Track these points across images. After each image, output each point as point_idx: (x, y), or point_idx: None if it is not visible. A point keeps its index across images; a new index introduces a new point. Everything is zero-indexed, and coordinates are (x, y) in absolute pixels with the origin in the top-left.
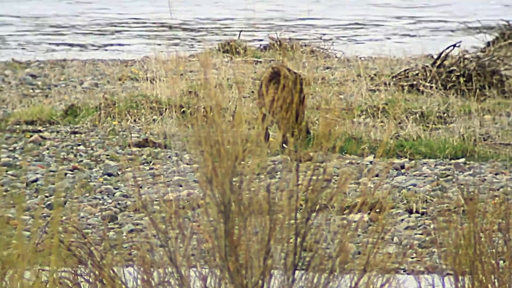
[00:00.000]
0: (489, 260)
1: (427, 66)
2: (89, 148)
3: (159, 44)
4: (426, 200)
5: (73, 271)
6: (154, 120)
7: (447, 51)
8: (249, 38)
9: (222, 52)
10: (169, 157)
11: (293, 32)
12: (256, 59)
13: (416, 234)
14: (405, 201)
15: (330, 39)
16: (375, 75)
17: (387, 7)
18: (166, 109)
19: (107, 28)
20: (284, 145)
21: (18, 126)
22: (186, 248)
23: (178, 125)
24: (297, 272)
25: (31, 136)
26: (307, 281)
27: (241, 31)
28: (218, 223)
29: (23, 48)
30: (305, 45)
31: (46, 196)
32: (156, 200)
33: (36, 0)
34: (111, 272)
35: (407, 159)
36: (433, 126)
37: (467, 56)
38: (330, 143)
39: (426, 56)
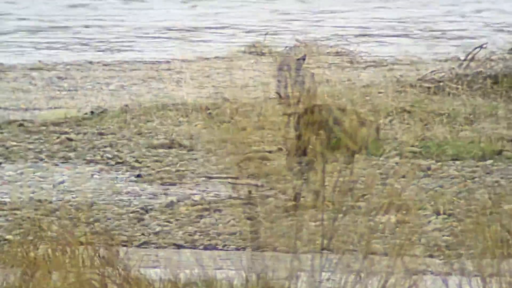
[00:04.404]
0: None
1: (453, 68)
2: (116, 150)
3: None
4: (453, 202)
5: (100, 273)
6: (180, 121)
7: (474, 52)
8: (275, 40)
9: (248, 53)
10: (195, 158)
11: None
12: None
13: (443, 235)
14: (432, 203)
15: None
16: (401, 76)
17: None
18: (192, 111)
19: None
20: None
21: (45, 127)
22: (212, 249)
23: (204, 126)
24: (323, 273)
25: (58, 137)
26: (334, 283)
27: (266, 33)
28: (244, 224)
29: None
30: (331, 47)
31: (73, 198)
32: (182, 202)
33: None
34: (138, 273)
35: (433, 161)
36: (460, 127)
37: (493, 57)
38: (356, 145)
39: (452, 58)
